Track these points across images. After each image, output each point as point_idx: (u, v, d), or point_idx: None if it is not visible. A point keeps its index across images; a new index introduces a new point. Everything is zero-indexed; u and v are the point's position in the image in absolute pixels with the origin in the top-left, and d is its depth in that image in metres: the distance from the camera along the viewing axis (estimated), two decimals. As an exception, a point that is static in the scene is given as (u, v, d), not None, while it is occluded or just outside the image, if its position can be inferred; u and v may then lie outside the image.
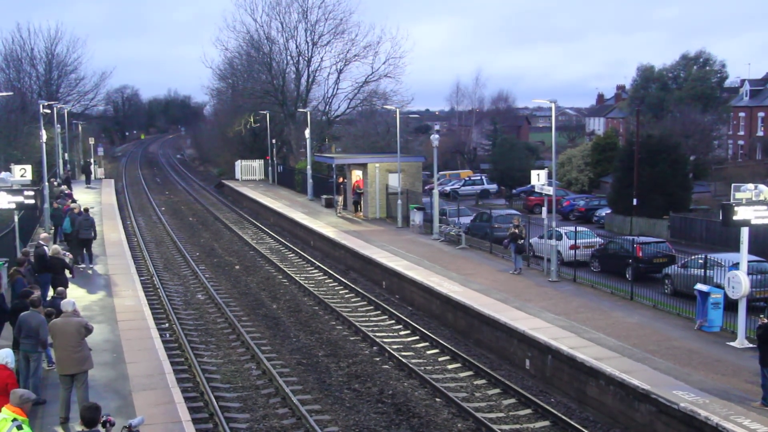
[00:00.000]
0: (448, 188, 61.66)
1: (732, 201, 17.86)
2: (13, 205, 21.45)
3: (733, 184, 18.77)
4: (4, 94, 48.69)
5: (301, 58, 61.04)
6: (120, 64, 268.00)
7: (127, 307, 22.22)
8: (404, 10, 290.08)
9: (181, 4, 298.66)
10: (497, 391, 18.23)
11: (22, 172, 24.12)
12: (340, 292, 28.35)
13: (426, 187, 48.86)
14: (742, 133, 73.12)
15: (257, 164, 66.54)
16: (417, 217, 36.92)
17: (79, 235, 27.09)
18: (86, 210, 28.82)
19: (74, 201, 33.62)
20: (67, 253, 24.80)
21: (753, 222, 17.75)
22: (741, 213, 17.53)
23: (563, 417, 16.25)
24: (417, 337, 22.56)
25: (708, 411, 14.32)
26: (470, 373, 19.50)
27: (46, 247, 22.31)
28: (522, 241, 27.22)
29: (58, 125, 52.28)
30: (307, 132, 51.13)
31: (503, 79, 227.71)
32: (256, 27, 61.09)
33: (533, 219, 32.94)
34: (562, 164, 62.05)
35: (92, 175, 58.18)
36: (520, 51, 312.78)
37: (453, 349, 21.01)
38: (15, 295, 17.45)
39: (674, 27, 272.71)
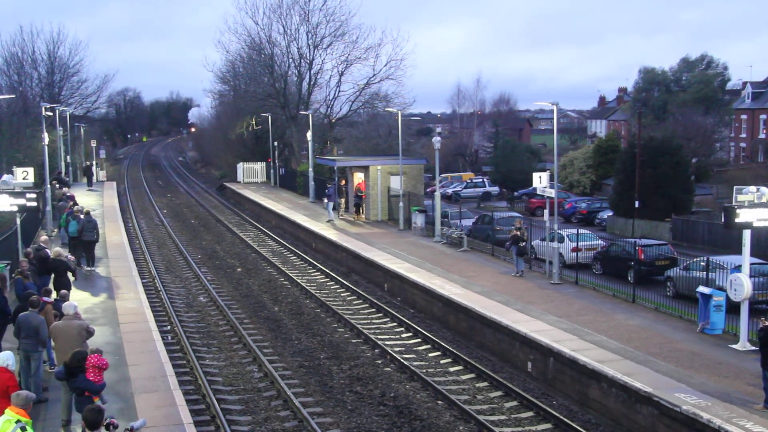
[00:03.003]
0: (449, 191, 61.71)
1: (734, 203, 17.86)
2: (15, 208, 21.47)
3: (735, 187, 18.79)
4: (6, 96, 48.73)
5: (302, 60, 61.08)
6: (123, 66, 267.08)
7: (129, 309, 22.22)
8: (425, 12, 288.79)
9: (201, 8, 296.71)
10: (499, 393, 18.22)
11: (24, 175, 24.11)
12: (342, 294, 28.34)
13: (428, 190, 48.92)
14: (744, 135, 73.14)
15: (259, 167, 66.56)
16: (419, 220, 36.90)
17: (83, 237, 27.11)
18: (88, 212, 28.83)
19: (76, 204, 33.62)
20: (69, 255, 24.80)
21: (755, 224, 17.76)
22: (743, 215, 17.54)
23: (565, 419, 16.24)
24: (419, 340, 22.54)
25: (710, 413, 14.31)
26: (472, 375, 19.49)
27: (47, 250, 22.31)
28: (524, 243, 27.20)
29: (60, 128, 52.32)
30: (308, 134, 51.14)
31: (513, 81, 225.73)
32: (257, 29, 61.17)
33: (535, 221, 32.99)
34: (563, 167, 62.04)
35: (94, 178, 58.20)
36: (537, 53, 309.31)
37: (455, 351, 21.00)
38: (18, 298, 17.60)
39: (694, 29, 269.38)
